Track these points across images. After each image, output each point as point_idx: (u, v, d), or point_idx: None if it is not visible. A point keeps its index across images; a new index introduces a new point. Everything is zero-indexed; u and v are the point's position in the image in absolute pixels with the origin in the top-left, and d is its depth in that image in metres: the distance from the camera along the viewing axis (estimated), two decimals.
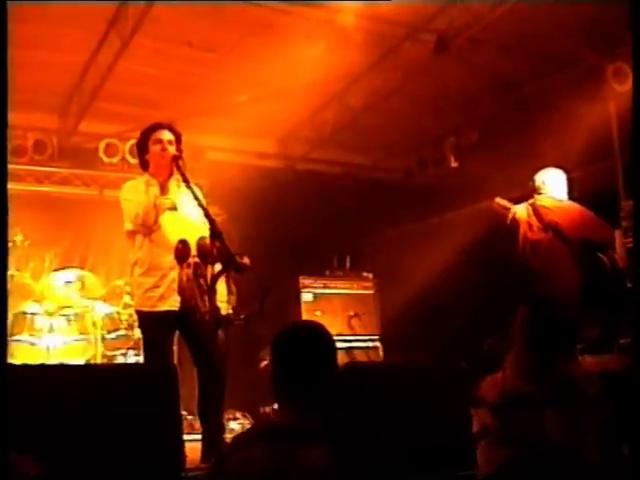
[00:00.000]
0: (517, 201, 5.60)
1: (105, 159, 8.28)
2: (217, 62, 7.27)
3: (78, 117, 7.97)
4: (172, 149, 4.41)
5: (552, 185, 5.46)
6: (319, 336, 2.43)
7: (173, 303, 4.25)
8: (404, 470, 2.28)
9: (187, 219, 4.33)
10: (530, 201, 5.46)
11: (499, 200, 5.55)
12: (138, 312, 4.57)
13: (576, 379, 3.10)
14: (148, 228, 4.36)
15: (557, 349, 3.14)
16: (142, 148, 4.58)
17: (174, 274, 4.20)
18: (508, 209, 5.48)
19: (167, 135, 4.47)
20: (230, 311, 3.79)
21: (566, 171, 5.59)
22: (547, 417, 2.96)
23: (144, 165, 4.60)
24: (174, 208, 4.39)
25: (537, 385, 3.04)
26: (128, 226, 4.47)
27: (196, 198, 4.05)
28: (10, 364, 4.14)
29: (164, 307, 4.28)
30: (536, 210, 5.37)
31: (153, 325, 4.36)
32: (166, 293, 4.28)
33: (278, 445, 2.23)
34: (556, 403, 2.97)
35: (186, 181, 4.14)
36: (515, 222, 5.40)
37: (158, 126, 4.53)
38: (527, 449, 2.90)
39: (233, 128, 8.53)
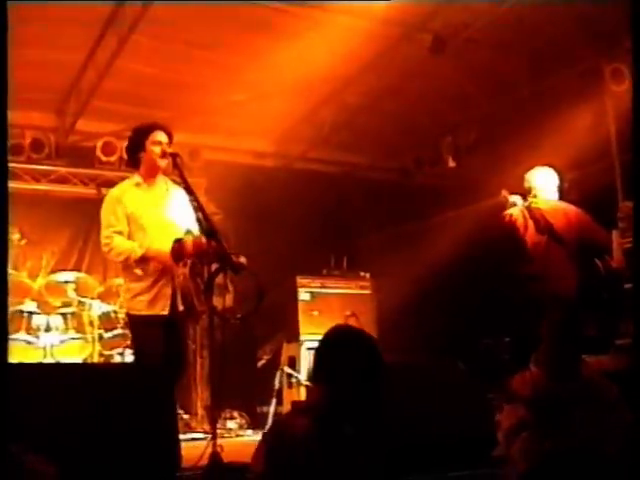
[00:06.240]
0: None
1: (103, 157, 8.26)
2: (214, 61, 7.27)
3: (76, 116, 7.96)
4: (169, 151, 4.43)
5: (545, 186, 5.44)
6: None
7: (163, 308, 4.26)
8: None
9: (172, 222, 4.32)
10: (525, 204, 5.45)
11: (506, 193, 5.53)
12: (128, 315, 4.59)
13: (598, 381, 3.15)
14: None
15: (582, 349, 3.23)
16: (137, 146, 4.53)
17: (163, 280, 4.21)
18: (514, 203, 5.46)
19: (164, 137, 4.46)
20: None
21: (557, 170, 5.57)
22: (576, 416, 3.00)
23: (135, 163, 4.56)
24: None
25: (567, 384, 3.08)
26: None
27: (195, 199, 4.03)
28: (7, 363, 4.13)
29: (153, 312, 4.27)
30: (531, 212, 5.34)
31: (143, 328, 4.36)
32: (155, 298, 4.27)
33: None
34: (584, 402, 3.02)
35: (184, 180, 4.12)
36: (511, 224, 5.39)
37: (155, 126, 4.49)
38: (563, 444, 2.97)
39: (230, 127, 8.52)
